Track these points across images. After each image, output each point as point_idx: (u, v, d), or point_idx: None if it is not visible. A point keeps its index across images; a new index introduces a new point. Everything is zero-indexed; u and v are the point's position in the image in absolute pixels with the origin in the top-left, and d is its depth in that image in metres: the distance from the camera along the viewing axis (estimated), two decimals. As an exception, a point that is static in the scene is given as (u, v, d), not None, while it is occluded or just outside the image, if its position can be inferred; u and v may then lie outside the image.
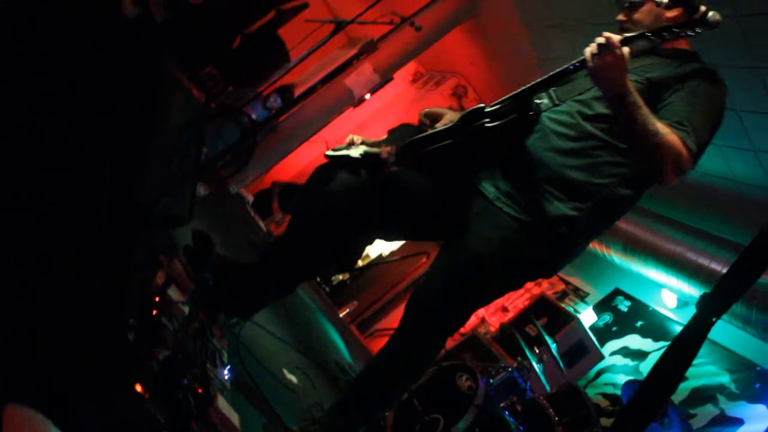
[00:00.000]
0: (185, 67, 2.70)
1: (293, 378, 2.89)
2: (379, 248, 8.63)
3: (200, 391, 1.68)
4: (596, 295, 7.33)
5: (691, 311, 1.22)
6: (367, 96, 7.23)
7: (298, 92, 5.91)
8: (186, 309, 2.06)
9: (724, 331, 5.60)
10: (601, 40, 1.75)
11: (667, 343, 3.58)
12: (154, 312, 1.75)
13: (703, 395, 5.45)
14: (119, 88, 1.97)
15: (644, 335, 6.43)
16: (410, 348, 2.06)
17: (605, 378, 6.14)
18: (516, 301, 7.48)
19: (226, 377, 2.01)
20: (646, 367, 5.98)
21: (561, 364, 5.14)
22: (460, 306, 2.04)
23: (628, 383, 4.59)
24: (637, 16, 2.08)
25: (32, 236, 1.28)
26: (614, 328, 6.72)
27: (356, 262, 6.65)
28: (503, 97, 2.06)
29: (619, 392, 5.41)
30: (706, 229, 5.71)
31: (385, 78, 7.28)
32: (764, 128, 4.55)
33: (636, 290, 6.90)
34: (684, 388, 5.60)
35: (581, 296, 7.49)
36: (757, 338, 5.29)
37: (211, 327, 2.10)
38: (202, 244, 2.33)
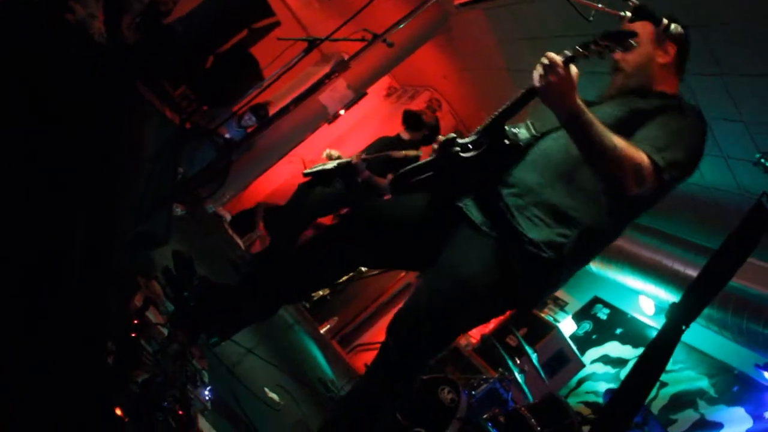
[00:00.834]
0: (157, 89, 2.70)
1: (275, 396, 2.87)
2: (359, 263, 8.61)
3: (181, 412, 1.67)
4: (575, 303, 7.38)
5: (668, 318, 1.24)
6: (342, 112, 7.26)
7: (272, 110, 5.92)
8: (165, 331, 2.05)
9: (701, 336, 5.67)
10: (544, 60, 1.78)
11: (645, 350, 3.62)
12: (133, 334, 1.74)
13: (683, 400, 5.51)
14: (89, 113, 1.96)
15: (624, 342, 6.49)
16: (393, 372, 2.03)
17: (587, 386, 6.18)
18: (496, 312, 7.49)
19: (207, 398, 1.99)
20: (626, 373, 6.02)
21: (542, 373, 5.17)
22: (443, 330, 1.99)
23: (609, 391, 4.63)
24: (630, 56, 2.13)
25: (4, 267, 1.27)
26: (594, 336, 6.77)
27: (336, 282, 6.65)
28: (478, 128, 2.11)
29: (600, 400, 5.45)
30: (681, 235, 5.79)
31: (358, 93, 7.32)
32: (731, 135, 4.64)
33: (614, 298, 6.96)
34: (664, 394, 5.65)
35: (560, 305, 7.53)
36: (734, 342, 5.36)
37: (191, 348, 2.08)
38: (182, 265, 2.32)
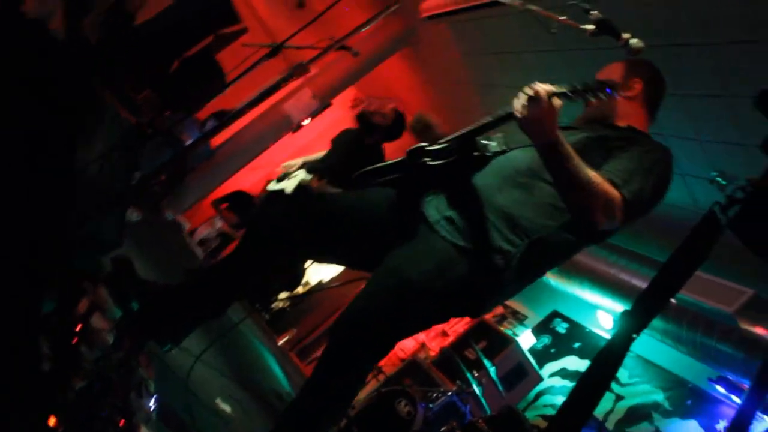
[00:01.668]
0: (116, 89, 2.64)
1: (227, 407, 2.80)
2: (320, 274, 8.55)
3: (122, 423, 1.60)
4: (535, 317, 7.43)
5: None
6: (306, 121, 7.22)
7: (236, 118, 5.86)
8: (110, 337, 1.97)
9: (657, 350, 5.75)
10: (530, 92, 1.75)
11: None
12: (74, 340, 1.67)
13: (639, 413, 5.57)
14: (40, 109, 1.90)
15: (582, 356, 6.54)
16: (333, 374, 1.97)
17: (544, 400, 6.20)
18: (456, 325, 7.51)
19: (152, 408, 1.92)
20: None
21: (500, 387, 5.17)
22: (383, 331, 1.95)
23: (566, 404, 4.64)
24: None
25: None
26: (552, 350, 6.81)
27: (299, 281, 6.59)
28: (448, 137, 2.10)
29: (557, 413, 5.46)
30: (639, 251, 5.87)
31: (323, 103, 7.30)
32: (688, 153, 4.73)
33: (573, 312, 7.02)
34: (620, 408, 5.71)
35: (520, 319, 7.58)
36: (688, 356, 5.45)
37: (137, 355, 2.01)
38: (123, 270, 2.24)
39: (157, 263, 3.71)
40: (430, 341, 7.39)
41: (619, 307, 5.81)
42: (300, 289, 7.81)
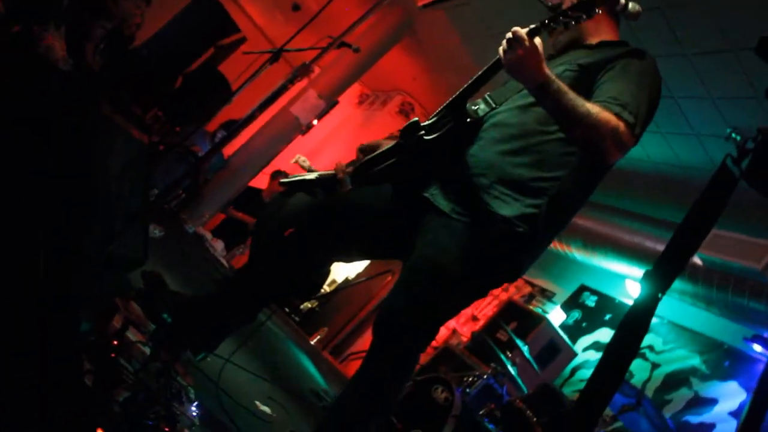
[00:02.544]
0: (124, 110, 2.68)
1: (267, 409, 2.84)
2: (345, 272, 8.60)
3: (167, 430, 1.64)
4: (563, 293, 7.41)
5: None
6: (315, 122, 7.25)
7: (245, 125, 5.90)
8: (147, 350, 2.02)
9: (689, 314, 5.72)
10: (509, 35, 1.79)
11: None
12: (113, 355, 1.71)
13: (677, 379, 5.54)
14: (54, 139, 1.94)
15: (614, 327, 6.49)
16: (383, 369, 1.99)
17: (580, 374, 6.20)
18: (485, 308, 7.52)
19: (194, 414, 1.96)
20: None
21: (535, 365, 5.17)
22: (427, 319, 1.96)
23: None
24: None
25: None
26: (584, 324, 6.80)
27: (320, 288, 6.61)
28: (437, 110, 2.10)
29: (595, 387, 5.44)
30: (660, 216, 5.84)
31: (330, 102, 7.33)
32: (700, 112, 4.70)
33: (601, 284, 7.00)
34: (657, 375, 5.69)
35: (548, 296, 7.56)
36: (721, 317, 5.42)
37: (174, 365, 2.06)
38: (153, 284, 2.29)
39: (184, 276, 3.77)
40: (461, 327, 7.40)
41: (646, 274, 5.77)
42: (326, 288, 7.86)
